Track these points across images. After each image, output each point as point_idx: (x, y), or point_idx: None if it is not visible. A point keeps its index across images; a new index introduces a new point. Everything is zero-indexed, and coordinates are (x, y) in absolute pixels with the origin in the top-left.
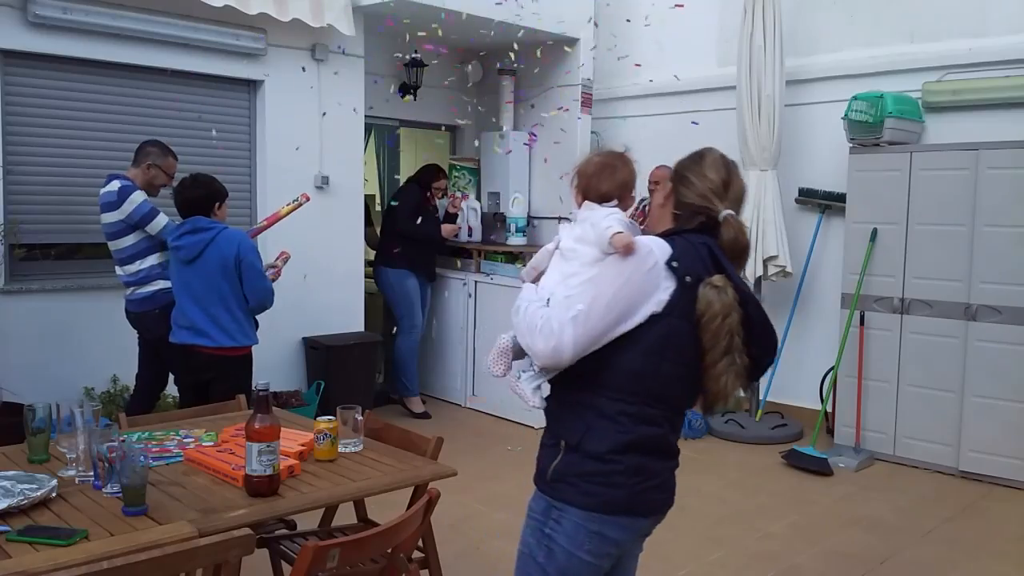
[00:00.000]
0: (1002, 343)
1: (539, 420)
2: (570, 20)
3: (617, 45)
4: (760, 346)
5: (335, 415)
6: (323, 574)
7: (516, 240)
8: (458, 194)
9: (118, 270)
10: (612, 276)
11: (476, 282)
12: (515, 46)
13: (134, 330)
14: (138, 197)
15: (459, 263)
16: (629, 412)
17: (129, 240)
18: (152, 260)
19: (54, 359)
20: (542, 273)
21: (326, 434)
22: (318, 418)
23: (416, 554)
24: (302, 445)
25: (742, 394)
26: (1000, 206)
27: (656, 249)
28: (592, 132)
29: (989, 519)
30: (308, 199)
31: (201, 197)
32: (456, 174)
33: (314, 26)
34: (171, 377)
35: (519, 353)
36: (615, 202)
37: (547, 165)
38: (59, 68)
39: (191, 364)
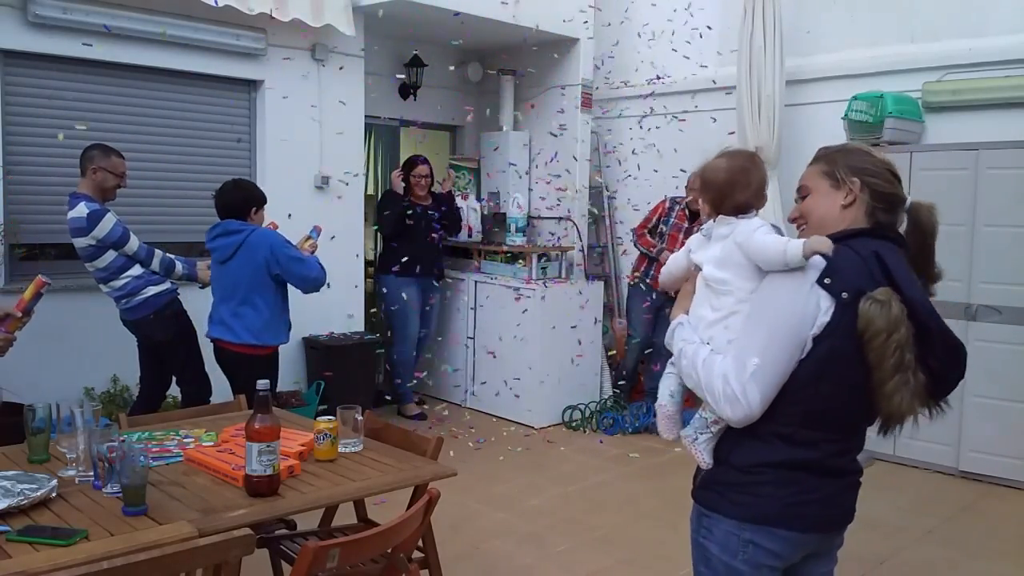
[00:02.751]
0: (1002, 343)
1: (538, 421)
2: (570, 20)
3: (617, 45)
4: (940, 359)
5: (335, 415)
6: (323, 574)
7: (516, 240)
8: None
9: (103, 287)
10: (780, 311)
11: (476, 282)
12: (515, 46)
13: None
14: (108, 223)
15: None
16: (782, 434)
17: (107, 259)
18: (135, 271)
19: (54, 359)
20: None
21: (326, 434)
22: (318, 418)
23: (416, 554)
24: (302, 445)
25: (927, 415)
26: (1000, 206)
27: (808, 268)
28: (592, 132)
29: (989, 519)
30: (320, 231)
31: (240, 201)
32: (456, 174)
33: (314, 26)
34: (174, 378)
35: (682, 396)
36: (753, 212)
37: (547, 166)
38: (59, 68)
39: (219, 359)
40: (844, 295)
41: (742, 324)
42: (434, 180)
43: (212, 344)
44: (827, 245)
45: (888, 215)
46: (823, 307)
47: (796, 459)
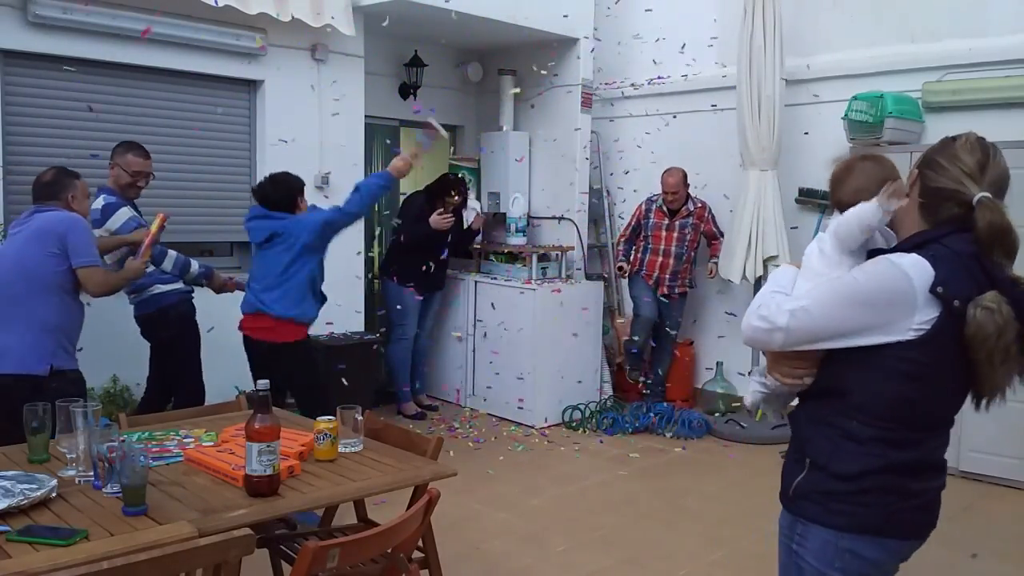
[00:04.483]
0: None
1: (538, 421)
2: (570, 20)
3: (618, 44)
4: None
5: (335, 415)
6: (323, 574)
7: (516, 240)
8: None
9: None
10: (849, 283)
11: (476, 282)
12: (515, 46)
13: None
14: (121, 217)
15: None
16: (884, 438)
17: (118, 253)
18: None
19: None
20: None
21: (326, 434)
22: (318, 418)
23: (416, 554)
24: (302, 445)
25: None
26: None
27: (913, 273)
28: (592, 132)
29: (989, 519)
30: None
31: (282, 200)
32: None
33: (314, 26)
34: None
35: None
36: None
37: (547, 166)
38: (59, 68)
39: (250, 352)
40: (956, 303)
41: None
42: (466, 200)
43: (242, 336)
44: (895, 191)
45: (938, 211)
46: (920, 314)
47: (897, 462)
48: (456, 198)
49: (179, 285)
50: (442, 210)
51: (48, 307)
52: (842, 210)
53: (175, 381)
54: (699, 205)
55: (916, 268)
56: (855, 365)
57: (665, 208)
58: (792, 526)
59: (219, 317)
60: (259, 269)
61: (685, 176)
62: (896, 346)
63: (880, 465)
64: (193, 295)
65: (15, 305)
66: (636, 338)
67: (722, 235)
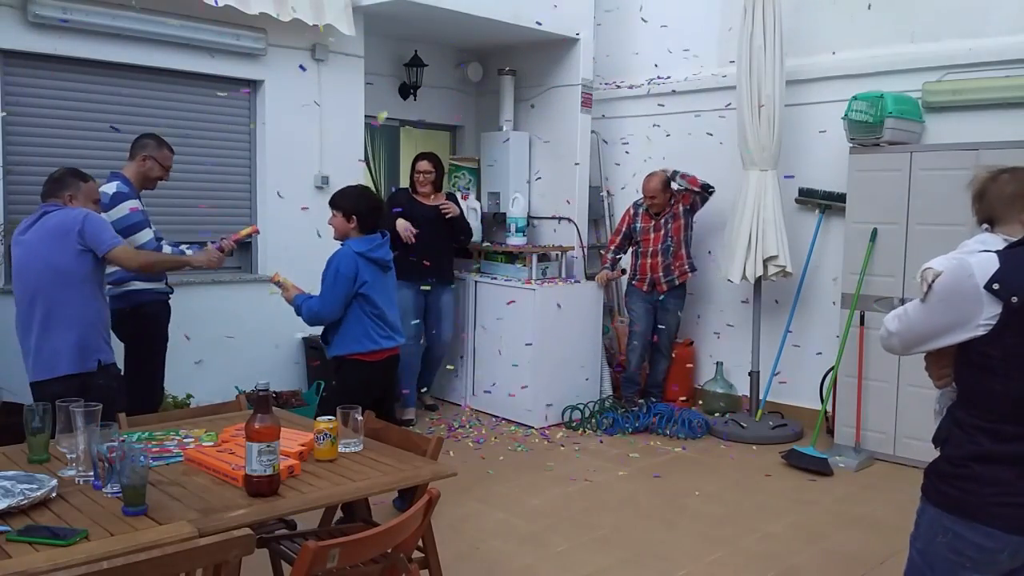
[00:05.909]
0: None
1: (538, 421)
2: (570, 20)
3: (617, 45)
4: None
5: (335, 415)
6: (323, 574)
7: (516, 240)
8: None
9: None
10: (935, 291)
11: (476, 282)
12: (515, 46)
13: None
14: (124, 208)
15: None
16: (983, 428)
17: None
18: None
19: None
20: None
21: (326, 434)
22: (318, 418)
23: (416, 554)
24: (302, 445)
25: None
26: None
27: (977, 270)
28: (592, 132)
29: None
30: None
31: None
32: (456, 174)
33: (314, 25)
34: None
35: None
36: (985, 226)
37: (548, 166)
38: (59, 68)
39: (384, 374)
40: (1014, 299)
41: None
42: (442, 176)
43: (374, 364)
44: (926, 280)
45: None
46: (986, 309)
47: (997, 453)
48: (424, 162)
49: (157, 285)
50: (417, 183)
51: (86, 303)
52: (989, 222)
53: (132, 380)
54: (678, 197)
55: (981, 265)
56: (959, 360)
57: (648, 211)
58: (919, 500)
59: (223, 318)
60: (390, 298)
61: (666, 181)
62: (975, 341)
63: (980, 453)
64: (170, 297)
65: (55, 308)
66: (631, 362)
67: (708, 188)
